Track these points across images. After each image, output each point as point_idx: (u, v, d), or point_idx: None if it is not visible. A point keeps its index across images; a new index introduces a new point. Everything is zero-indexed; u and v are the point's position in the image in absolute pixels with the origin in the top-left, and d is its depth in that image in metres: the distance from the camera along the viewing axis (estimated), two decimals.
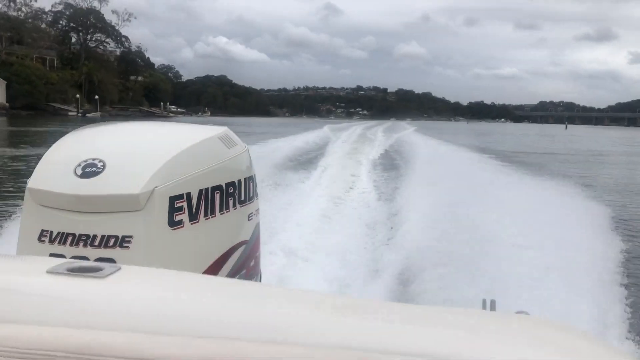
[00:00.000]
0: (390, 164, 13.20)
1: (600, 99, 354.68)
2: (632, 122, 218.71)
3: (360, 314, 0.55)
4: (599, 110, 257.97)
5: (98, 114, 56.96)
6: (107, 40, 70.68)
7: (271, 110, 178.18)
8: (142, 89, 73.39)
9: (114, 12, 69.23)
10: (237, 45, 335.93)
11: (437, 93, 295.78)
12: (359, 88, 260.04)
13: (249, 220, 1.05)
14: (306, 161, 11.91)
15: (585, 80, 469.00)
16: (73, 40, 67.05)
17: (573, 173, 14.63)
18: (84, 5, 65.74)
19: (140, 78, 73.88)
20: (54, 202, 0.85)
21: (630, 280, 4.10)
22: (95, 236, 0.83)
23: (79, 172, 0.84)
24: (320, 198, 7.19)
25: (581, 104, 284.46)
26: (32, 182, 0.87)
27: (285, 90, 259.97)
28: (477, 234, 4.49)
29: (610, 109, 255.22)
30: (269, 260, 3.68)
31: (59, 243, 0.84)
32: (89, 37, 67.64)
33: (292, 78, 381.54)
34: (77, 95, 58.02)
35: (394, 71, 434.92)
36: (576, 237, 4.54)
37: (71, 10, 65.70)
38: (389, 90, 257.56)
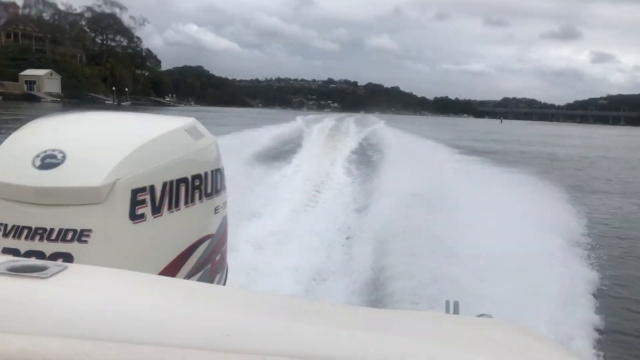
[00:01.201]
0: (361, 156, 14.10)
1: (563, 96, 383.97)
2: (584, 120, 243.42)
3: (317, 318, 0.55)
4: (558, 107, 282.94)
5: (129, 102, 71.83)
6: (123, 39, 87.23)
7: (246, 101, 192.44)
8: (149, 81, 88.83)
9: (131, 17, 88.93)
10: (207, 33, 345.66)
11: (406, 87, 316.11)
12: (330, 81, 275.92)
13: (215, 213, 1.05)
14: (281, 154, 12.18)
15: (549, 77, 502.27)
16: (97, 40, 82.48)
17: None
18: (106, 10, 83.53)
19: (146, 73, 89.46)
20: (10, 194, 0.84)
21: (594, 281, 4.18)
22: (52, 230, 0.82)
23: (37, 163, 0.84)
24: (294, 192, 7.38)
25: (543, 101, 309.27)
26: None
27: (257, 81, 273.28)
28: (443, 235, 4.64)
29: (569, 106, 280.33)
30: (238, 251, 3.90)
31: (13, 237, 0.83)
32: (109, 37, 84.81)
33: (263, 68, 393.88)
34: (114, 88, 72.58)
35: (365, 64, 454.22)
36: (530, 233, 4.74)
37: (91, 14, 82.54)
38: (359, 84, 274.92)
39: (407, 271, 3.66)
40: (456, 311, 0.94)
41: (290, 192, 7.20)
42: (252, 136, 14.54)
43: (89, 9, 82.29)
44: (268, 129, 18.13)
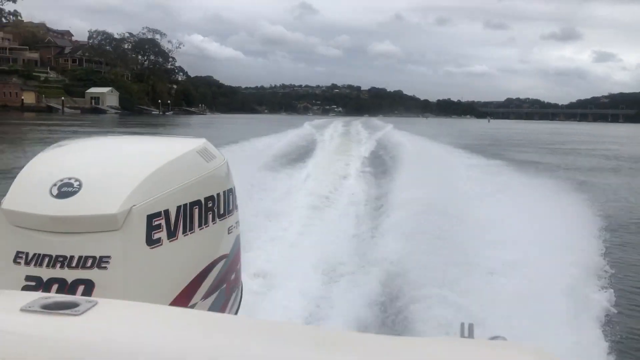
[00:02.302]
0: (372, 158, 14.75)
1: (567, 95, 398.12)
2: (584, 118, 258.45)
3: (334, 348, 0.58)
4: (562, 106, 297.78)
5: (171, 112, 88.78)
6: (160, 59, 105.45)
7: (254, 107, 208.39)
8: (180, 94, 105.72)
9: (169, 41, 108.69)
10: (212, 43, 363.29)
11: (409, 91, 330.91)
12: (334, 86, 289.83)
13: (228, 233, 1.09)
14: (292, 160, 12.35)
15: (553, 77, 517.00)
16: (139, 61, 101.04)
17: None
18: (149, 36, 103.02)
19: (175, 87, 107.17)
20: (30, 223, 0.87)
21: (611, 301, 4.07)
22: (72, 257, 0.85)
23: (55, 192, 0.86)
24: (305, 199, 7.37)
25: (547, 101, 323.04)
26: (6, 203, 0.89)
27: (263, 88, 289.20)
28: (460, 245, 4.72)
29: (571, 105, 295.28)
30: (251, 262, 3.90)
31: (35, 265, 0.86)
32: (150, 58, 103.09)
33: (267, 75, 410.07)
34: (159, 100, 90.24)
35: (368, 69, 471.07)
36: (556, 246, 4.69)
37: (136, 39, 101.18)
38: (362, 89, 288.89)
39: (421, 290, 3.64)
40: (471, 334, 0.97)
41: (297, 205, 7.00)
42: (266, 143, 15.41)
43: (131, 35, 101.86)
44: (284, 134, 19.43)
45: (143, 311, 0.67)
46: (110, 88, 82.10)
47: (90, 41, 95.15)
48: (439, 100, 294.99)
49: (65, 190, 0.86)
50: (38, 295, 0.63)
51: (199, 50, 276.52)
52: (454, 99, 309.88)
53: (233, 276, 1.11)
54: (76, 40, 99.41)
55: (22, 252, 0.87)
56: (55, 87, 79.63)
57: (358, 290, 3.93)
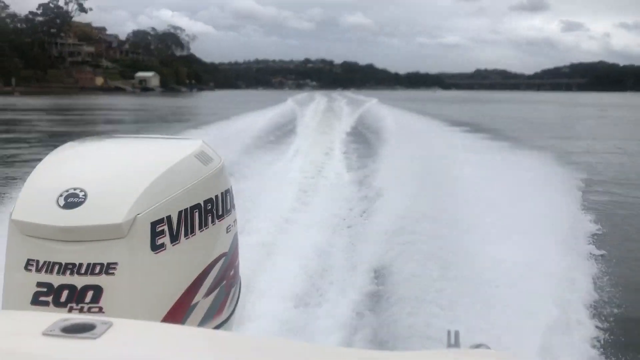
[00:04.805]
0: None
1: (537, 65, 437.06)
2: (542, 87, 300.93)
3: None
4: (526, 77, 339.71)
5: (195, 89, 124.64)
6: (179, 48, 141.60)
7: (236, 83, 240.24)
8: (193, 74, 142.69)
9: (187, 35, 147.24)
10: (182, 18, 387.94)
11: (381, 64, 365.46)
12: (307, 61, 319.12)
13: (227, 232, 1.19)
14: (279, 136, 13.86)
15: (524, 47, 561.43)
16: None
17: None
18: (172, 31, 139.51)
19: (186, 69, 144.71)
20: (39, 232, 0.96)
21: (597, 306, 4.07)
22: (81, 264, 0.94)
23: (62, 202, 0.95)
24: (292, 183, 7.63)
25: (515, 71, 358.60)
26: (16, 214, 0.98)
27: (237, 63, 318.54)
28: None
29: (535, 75, 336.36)
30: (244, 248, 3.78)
31: (46, 272, 0.95)
32: (172, 48, 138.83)
33: (239, 50, 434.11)
34: (189, 81, 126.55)
35: (341, 42, 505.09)
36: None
37: (157, 32, 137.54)
38: (335, 62, 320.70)
39: (408, 293, 3.69)
40: (457, 341, 1.05)
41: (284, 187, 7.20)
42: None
43: (154, 29, 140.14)
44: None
45: (157, 332, 0.74)
46: (153, 72, 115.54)
47: (131, 37, 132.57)
48: (408, 73, 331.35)
49: (72, 201, 0.95)
50: (57, 317, 0.69)
51: (169, 26, 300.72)
52: (426, 71, 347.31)
53: (232, 272, 1.22)
54: (114, 35, 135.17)
55: (33, 260, 0.96)
56: (113, 72, 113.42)
57: (345, 293, 3.93)
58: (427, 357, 0.76)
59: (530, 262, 4.26)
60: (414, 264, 4.18)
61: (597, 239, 5.97)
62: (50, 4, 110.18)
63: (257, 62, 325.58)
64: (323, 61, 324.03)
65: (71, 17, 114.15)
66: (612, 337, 3.72)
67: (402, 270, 4.10)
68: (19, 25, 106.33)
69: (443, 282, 3.87)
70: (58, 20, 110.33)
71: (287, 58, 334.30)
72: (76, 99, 69.29)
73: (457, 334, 1.06)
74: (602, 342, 3.61)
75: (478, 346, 0.93)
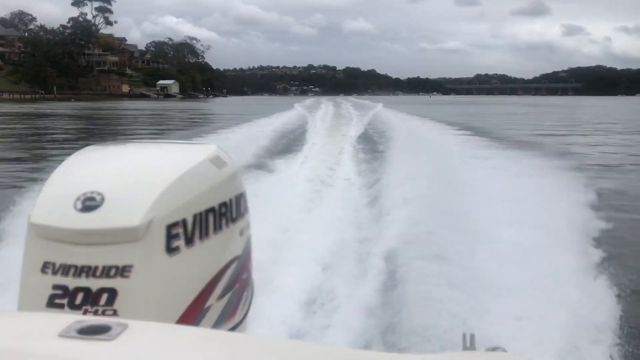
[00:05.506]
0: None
1: (537, 69, 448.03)
2: (538, 92, 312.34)
3: None
4: (524, 81, 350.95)
5: (211, 96, 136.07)
6: (194, 57, 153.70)
7: (243, 90, 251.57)
8: (206, 82, 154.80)
9: (202, 45, 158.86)
10: (186, 24, 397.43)
11: (382, 69, 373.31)
12: (311, 67, 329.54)
13: (240, 235, 1.22)
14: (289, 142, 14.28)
15: (524, 52, 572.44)
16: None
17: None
18: (188, 41, 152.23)
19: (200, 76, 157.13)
20: (56, 235, 0.99)
21: (617, 309, 3.97)
22: (97, 267, 0.98)
23: (79, 206, 0.99)
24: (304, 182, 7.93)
25: (514, 76, 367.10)
26: (35, 217, 1.02)
27: (242, 70, 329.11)
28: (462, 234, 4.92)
29: (534, 80, 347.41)
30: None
31: (61, 274, 0.98)
32: (187, 57, 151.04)
33: (242, 56, 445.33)
34: (205, 88, 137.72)
35: (343, 47, 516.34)
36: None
37: (172, 42, 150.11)
38: (337, 68, 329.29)
39: (422, 296, 3.69)
40: (472, 344, 1.06)
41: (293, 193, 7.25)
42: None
43: (171, 39, 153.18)
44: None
45: (173, 333, 0.76)
46: (174, 80, 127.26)
47: (151, 47, 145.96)
48: (409, 79, 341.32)
49: (89, 204, 0.98)
50: (73, 319, 0.71)
51: (173, 33, 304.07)
52: (427, 76, 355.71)
53: (245, 275, 1.26)
54: (134, 45, 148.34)
55: (50, 263, 0.99)
56: (137, 80, 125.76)
57: (357, 294, 3.96)
58: (444, 359, 0.76)
59: (546, 265, 4.24)
60: (426, 266, 4.20)
61: (609, 238, 5.94)
62: (80, 18, 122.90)
63: (261, 68, 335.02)
64: (326, 67, 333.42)
65: (98, 30, 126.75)
66: (631, 345, 3.61)
67: (414, 274, 4.08)
68: (48, 37, 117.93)
69: (456, 285, 3.88)
70: (86, 33, 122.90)
71: (289, 64, 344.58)
72: (119, 103, 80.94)
73: (472, 337, 1.07)
74: (623, 350, 3.52)
75: (494, 349, 0.93)
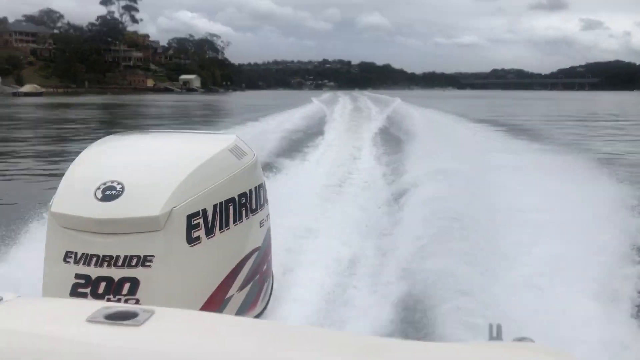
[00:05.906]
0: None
1: (555, 64, 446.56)
2: (554, 87, 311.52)
3: (366, 354, 0.66)
4: (542, 76, 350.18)
5: (230, 90, 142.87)
6: (214, 53, 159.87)
7: (259, 84, 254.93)
8: (225, 76, 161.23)
9: (222, 41, 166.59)
10: (201, 19, 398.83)
11: (398, 63, 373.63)
12: (325, 61, 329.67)
13: (260, 227, 1.22)
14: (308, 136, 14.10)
15: (542, 47, 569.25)
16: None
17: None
18: (209, 38, 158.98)
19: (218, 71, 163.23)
20: (77, 224, 1.01)
21: None
22: (118, 257, 1.00)
23: (99, 195, 1.01)
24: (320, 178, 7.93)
25: (531, 71, 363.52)
26: (55, 206, 1.03)
27: (257, 64, 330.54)
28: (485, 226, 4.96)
29: (551, 75, 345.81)
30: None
31: (83, 264, 1.00)
32: (209, 53, 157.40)
33: (257, 51, 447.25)
34: (224, 83, 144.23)
35: (358, 42, 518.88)
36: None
37: (193, 38, 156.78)
38: (352, 63, 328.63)
39: (447, 288, 3.67)
40: (499, 335, 1.06)
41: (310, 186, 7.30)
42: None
43: (192, 36, 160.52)
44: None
45: (198, 320, 0.78)
46: (195, 75, 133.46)
47: (173, 43, 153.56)
48: (424, 73, 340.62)
49: (109, 193, 1.00)
50: (100, 305, 0.73)
51: (188, 27, 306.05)
52: (443, 70, 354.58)
53: (265, 267, 1.25)
54: (156, 41, 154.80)
55: (72, 252, 1.01)
56: (160, 75, 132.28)
57: (379, 288, 3.95)
58: (474, 348, 0.77)
59: (570, 258, 4.16)
60: (448, 260, 4.16)
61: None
62: (107, 16, 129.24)
63: (276, 63, 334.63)
64: (341, 62, 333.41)
65: (125, 27, 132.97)
66: None
67: (436, 268, 4.03)
68: (77, 33, 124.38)
69: (480, 278, 3.88)
70: (114, 31, 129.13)
71: (304, 58, 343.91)
72: (151, 96, 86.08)
73: (499, 327, 1.07)
74: None
75: (522, 339, 0.93)
